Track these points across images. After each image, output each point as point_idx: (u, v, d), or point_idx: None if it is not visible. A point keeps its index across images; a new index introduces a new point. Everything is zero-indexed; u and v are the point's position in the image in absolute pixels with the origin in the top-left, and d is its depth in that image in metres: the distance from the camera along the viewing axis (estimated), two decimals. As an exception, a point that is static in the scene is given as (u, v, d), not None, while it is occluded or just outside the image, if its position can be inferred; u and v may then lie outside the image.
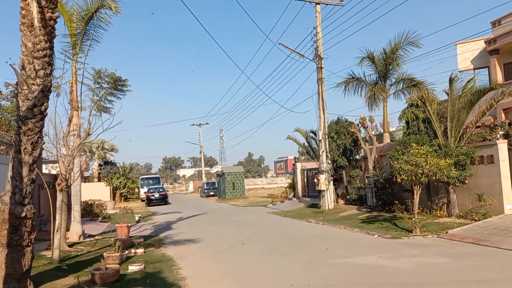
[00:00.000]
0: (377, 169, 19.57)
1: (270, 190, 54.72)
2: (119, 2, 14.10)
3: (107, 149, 46.10)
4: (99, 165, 46.33)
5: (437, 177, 13.02)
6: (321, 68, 21.75)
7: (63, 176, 9.64)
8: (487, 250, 9.98)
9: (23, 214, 6.88)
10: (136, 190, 50.36)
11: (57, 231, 9.91)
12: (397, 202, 14.20)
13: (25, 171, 6.91)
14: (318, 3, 22.12)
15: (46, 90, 7.19)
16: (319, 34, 21.89)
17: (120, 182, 43.21)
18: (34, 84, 7.02)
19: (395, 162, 13.56)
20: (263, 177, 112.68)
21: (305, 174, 30.55)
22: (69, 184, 10.17)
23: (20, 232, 6.89)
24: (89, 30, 14.41)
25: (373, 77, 21.78)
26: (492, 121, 18.35)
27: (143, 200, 43.10)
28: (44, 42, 7.11)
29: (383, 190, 18.51)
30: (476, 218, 13.61)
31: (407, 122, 16.78)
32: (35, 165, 7.11)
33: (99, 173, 45.46)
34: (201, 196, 51.12)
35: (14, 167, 6.92)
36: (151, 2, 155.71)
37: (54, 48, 7.58)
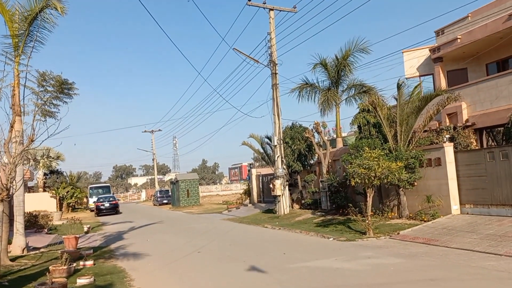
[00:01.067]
0: (331, 173, 19.89)
1: (225, 197, 54.39)
2: (66, 2, 13.50)
3: (53, 158, 43.87)
4: (44, 174, 43.98)
5: (388, 180, 13.36)
6: (276, 74, 21.89)
7: (4, 186, 8.93)
8: (438, 250, 10.32)
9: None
10: (85, 200, 48.37)
11: (-4, 245, 9.17)
12: (351, 205, 14.45)
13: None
14: (272, 9, 22.29)
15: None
16: (273, 40, 22.04)
17: (68, 191, 41.31)
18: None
19: (349, 166, 13.80)
20: (218, 184, 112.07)
21: (260, 180, 30.57)
22: (10, 194, 9.44)
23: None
24: (33, 31, 13.60)
25: (326, 83, 22.23)
26: (438, 125, 19.21)
27: (92, 210, 41.39)
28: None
29: (337, 193, 18.82)
30: (425, 219, 14.09)
31: (359, 127, 17.18)
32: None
33: (44, 183, 43.18)
34: (154, 205, 49.86)
35: None
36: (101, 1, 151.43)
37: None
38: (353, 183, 13.73)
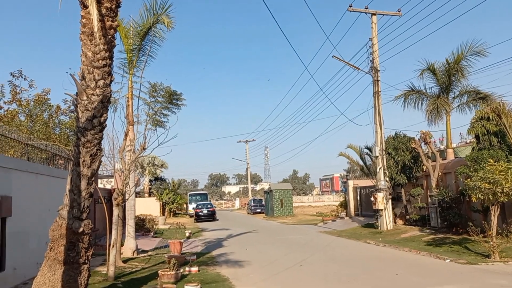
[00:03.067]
0: (441, 188, 18.17)
1: (318, 208, 53.35)
2: (172, 17, 14.10)
3: (158, 165, 46.81)
4: (150, 180, 47.08)
5: (519, 197, 11.66)
6: (378, 81, 20.77)
7: (120, 191, 9.38)
8: None
9: (81, 229, 6.55)
10: (184, 205, 50.70)
11: (113, 246, 9.62)
12: (471, 224, 12.89)
13: (83, 184, 6.61)
14: (374, 14, 21.29)
15: (106, 100, 6.92)
16: (375, 46, 21.00)
17: (169, 197, 43.61)
18: (93, 95, 6.76)
19: (468, 180, 12.33)
20: (309, 194, 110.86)
21: (358, 192, 29.25)
22: (125, 199, 9.92)
23: (77, 249, 6.55)
24: (145, 46, 14.43)
25: (434, 90, 20.50)
26: None
27: (191, 216, 43.19)
28: (104, 52, 6.86)
29: (449, 210, 17.08)
30: None
31: (477, 137, 15.45)
32: (93, 178, 6.80)
33: (149, 189, 46.19)
34: (248, 213, 50.58)
35: (72, 180, 6.63)
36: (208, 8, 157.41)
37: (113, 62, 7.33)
38: (474, 199, 12.23)
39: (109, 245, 9.78)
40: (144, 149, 11.14)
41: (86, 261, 6.71)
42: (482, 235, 12.23)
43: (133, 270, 11.56)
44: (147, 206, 39.34)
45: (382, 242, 16.79)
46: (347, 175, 41.94)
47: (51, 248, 6.49)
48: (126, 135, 11.64)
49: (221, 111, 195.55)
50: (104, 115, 6.87)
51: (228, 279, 10.35)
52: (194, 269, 11.45)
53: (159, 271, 10.32)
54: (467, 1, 17.92)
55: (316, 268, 11.70)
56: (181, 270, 10.58)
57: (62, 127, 17.93)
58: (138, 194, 46.76)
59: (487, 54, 19.10)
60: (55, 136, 17.00)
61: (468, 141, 29.89)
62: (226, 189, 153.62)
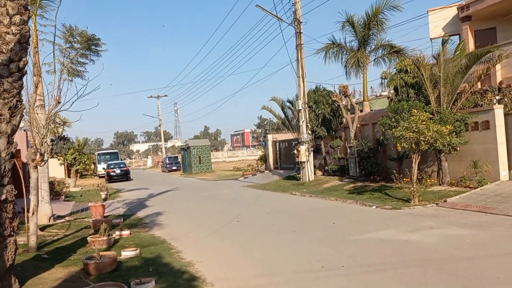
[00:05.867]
0: (360, 139, 19.07)
1: (233, 163, 53.85)
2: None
3: (60, 123, 42.89)
4: (51, 140, 43.10)
5: (437, 144, 12.54)
6: (300, 33, 20.66)
7: (38, 150, 8.11)
8: (501, 219, 9.60)
9: (3, 196, 5.47)
10: (92, 166, 47.80)
11: (33, 214, 8.43)
12: (395, 171, 13.68)
13: (2, 143, 5.46)
14: (296, -37, 20.80)
15: (24, 41, 5.68)
16: (297, -3, 20.67)
17: (75, 158, 40.60)
18: (8, 33, 5.49)
19: (394, 130, 12.92)
20: (220, 150, 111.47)
21: (277, 146, 29.80)
22: (44, 159, 8.65)
23: (1, 219, 5.49)
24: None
25: (354, 44, 20.99)
26: (468, 87, 18.25)
27: (101, 177, 40.95)
28: (18, -20, 5.55)
29: (368, 159, 18.06)
30: (471, 186, 13.38)
31: (395, 89, 16.21)
32: (14, 136, 5.66)
33: (51, 149, 42.38)
34: (163, 171, 49.42)
35: (-13, 139, 5.44)
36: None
37: None
38: (399, 148, 12.93)
39: (28, 213, 8.57)
40: (59, 102, 9.74)
41: (12, 233, 5.68)
42: (397, 181, 13.03)
43: (55, 238, 10.41)
44: (50, 169, 36.21)
45: (307, 192, 17.31)
46: (266, 130, 42.51)
47: (-34, 221, 5.36)
48: (36, 87, 10.04)
49: (130, 63, 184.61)
50: (24, 58, 5.65)
51: (165, 241, 9.78)
52: (126, 232, 10.64)
53: (88, 238, 9.40)
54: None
55: (254, 222, 11.60)
56: (114, 235, 9.75)
57: None
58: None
59: (402, 9, 19.86)
60: None
61: (378, 94, 31.75)
62: (134, 147, 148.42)
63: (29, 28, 5.83)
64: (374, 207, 12.60)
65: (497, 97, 13.93)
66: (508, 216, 9.85)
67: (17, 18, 5.55)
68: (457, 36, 25.26)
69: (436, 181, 14.76)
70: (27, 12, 5.74)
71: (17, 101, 5.59)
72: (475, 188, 13.07)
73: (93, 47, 11.71)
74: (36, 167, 8.33)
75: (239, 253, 8.29)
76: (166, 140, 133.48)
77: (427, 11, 25.72)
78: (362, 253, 7.41)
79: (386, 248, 7.62)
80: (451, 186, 14.13)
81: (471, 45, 23.19)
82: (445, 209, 11.42)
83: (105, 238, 9.13)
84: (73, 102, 9.26)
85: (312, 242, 8.56)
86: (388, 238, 8.38)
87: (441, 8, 25.74)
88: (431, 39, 26.19)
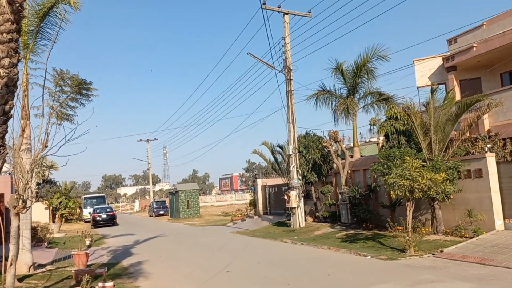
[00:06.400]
0: (351, 185, 18.87)
1: (221, 207, 53.05)
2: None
3: (46, 166, 42.14)
4: (37, 183, 42.15)
5: (431, 192, 12.38)
6: (290, 80, 20.92)
7: (20, 196, 7.71)
8: (501, 271, 9.28)
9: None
10: (78, 210, 46.57)
11: (11, 265, 7.88)
12: (389, 220, 13.42)
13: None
14: (287, 13, 21.41)
15: (12, 84, 5.49)
16: (287, 45, 21.12)
17: (61, 202, 39.52)
18: (-5, 76, 5.30)
19: (387, 177, 12.76)
20: (208, 194, 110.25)
21: (267, 191, 29.41)
22: (27, 206, 8.22)
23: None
24: (44, 28, 12.45)
25: (343, 91, 21.28)
26: (459, 135, 18.44)
27: (86, 221, 39.81)
28: (10, 23, 5.44)
29: (359, 206, 17.76)
30: (466, 235, 13.12)
31: (386, 135, 16.25)
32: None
33: (37, 193, 41.27)
34: (150, 216, 48.27)
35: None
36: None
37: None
38: (393, 195, 12.73)
39: (5, 264, 8.03)
40: (45, 146, 9.44)
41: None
42: (389, 230, 12.72)
43: (33, 291, 9.77)
44: (35, 213, 35.14)
45: (299, 240, 16.82)
46: (255, 175, 42.22)
47: None
48: (23, 130, 9.77)
49: (121, 109, 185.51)
50: (10, 102, 5.44)
51: (151, 294, 9.23)
52: (109, 284, 9.98)
53: (69, 291, 8.81)
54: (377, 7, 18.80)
55: (245, 274, 11.07)
56: None
57: None
58: (23, 199, 41.64)
59: (389, 59, 20.35)
60: None
61: (367, 140, 31.95)
62: (122, 190, 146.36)
63: (18, 71, 5.65)
64: (369, 257, 12.19)
65: (489, 145, 13.98)
66: (508, 268, 9.54)
67: (6, 61, 5.38)
68: (443, 85, 25.88)
69: (430, 230, 14.48)
70: (17, 55, 5.58)
71: (0, 145, 5.31)
72: (471, 237, 12.80)
73: (84, 91, 11.59)
74: (17, 214, 7.89)
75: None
76: (154, 184, 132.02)
77: (413, 61, 26.40)
78: (361, 310, 7.00)
79: (386, 304, 7.21)
80: (446, 235, 13.83)
81: (457, 94, 23.69)
82: (443, 260, 11.07)
83: (86, 291, 8.57)
84: (60, 146, 8.96)
85: (307, 297, 8.11)
86: (387, 293, 7.98)
87: (427, 58, 26.48)
88: (417, 88, 26.73)
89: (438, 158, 13.89)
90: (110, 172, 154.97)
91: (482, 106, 14.20)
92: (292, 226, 20.65)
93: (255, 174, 42.46)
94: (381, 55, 20.41)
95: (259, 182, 30.22)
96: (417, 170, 12.11)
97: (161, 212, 45.39)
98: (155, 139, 61.15)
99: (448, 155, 14.28)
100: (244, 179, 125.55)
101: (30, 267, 11.97)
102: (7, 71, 5.38)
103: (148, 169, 62.69)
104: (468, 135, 17.59)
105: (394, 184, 12.15)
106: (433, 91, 14.60)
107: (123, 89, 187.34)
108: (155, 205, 48.06)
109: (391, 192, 12.52)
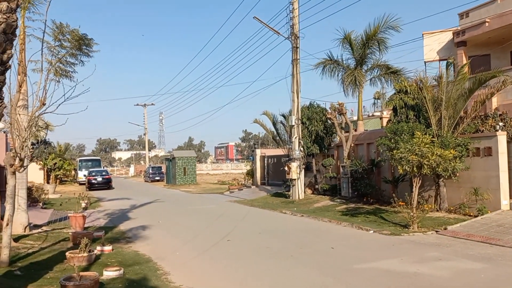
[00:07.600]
0: (354, 159, 18.59)
1: (217, 176, 52.99)
2: None
3: (41, 127, 41.50)
4: (32, 144, 41.63)
5: (439, 169, 12.09)
6: (297, 48, 20.26)
7: (18, 155, 7.31)
8: (509, 252, 9.10)
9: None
10: (73, 172, 46.34)
11: (7, 224, 7.58)
12: (394, 195, 13.17)
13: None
14: (296, -23, 20.51)
15: (10, 31, 4.97)
16: (295, 11, 20.31)
17: (56, 163, 39.22)
18: (-8, 21, 4.78)
19: (395, 151, 12.42)
20: (204, 162, 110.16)
21: (265, 161, 29.17)
22: (24, 165, 7.84)
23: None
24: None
25: (350, 62, 20.68)
26: (465, 113, 18.06)
27: (81, 184, 39.65)
28: (8, -40, 4.86)
29: (361, 180, 17.53)
30: (470, 214, 12.94)
31: (394, 109, 15.82)
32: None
33: (31, 153, 40.90)
34: (146, 181, 48.17)
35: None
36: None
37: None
38: (400, 171, 12.42)
39: (0, 222, 7.72)
40: (43, 104, 8.97)
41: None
42: (391, 205, 12.50)
43: (30, 251, 9.51)
44: (29, 173, 34.79)
45: (298, 212, 16.65)
46: (254, 144, 41.89)
47: None
48: (20, 86, 9.27)
49: (119, 66, 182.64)
50: (8, 51, 4.95)
51: (151, 260, 8.99)
52: (107, 248, 9.81)
53: (66, 253, 8.55)
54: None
55: (246, 243, 10.87)
56: (95, 252, 8.91)
57: None
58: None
59: (400, 30, 19.69)
60: None
61: (370, 114, 31.53)
62: (117, 155, 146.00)
63: (17, 18, 5.13)
64: (372, 231, 12.01)
65: (500, 123, 13.61)
66: (514, 248, 9.38)
67: (3, 5, 4.86)
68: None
69: (433, 207, 14.28)
70: (16, 0, 5.04)
71: (-3, 98, 4.86)
72: (475, 216, 12.62)
73: (84, 47, 10.97)
74: (14, 173, 7.51)
75: (234, 280, 7.56)
76: (149, 149, 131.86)
77: (422, 35, 25.65)
78: (371, 286, 6.77)
79: (396, 281, 6.99)
80: (450, 213, 13.66)
81: (465, 70, 23.15)
82: (447, 238, 10.90)
83: (85, 254, 8.32)
84: (59, 105, 8.51)
85: (312, 270, 7.89)
86: (395, 270, 7.75)
87: (437, 32, 25.73)
88: (425, 62, 26.11)
89: (448, 134, 13.54)
90: (105, 135, 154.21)
91: (497, 83, 13.72)
92: (291, 198, 20.50)
93: (254, 144, 42.16)
94: (392, 25, 19.77)
95: (258, 152, 29.93)
96: (426, 146, 11.77)
97: (157, 178, 45.29)
98: (152, 104, 60.26)
99: (458, 132, 13.93)
100: (239, 149, 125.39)
101: (25, 227, 11.71)
102: (5, 16, 4.86)
103: (145, 134, 62.29)
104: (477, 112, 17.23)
105: (402, 159, 11.83)
106: (448, 65, 14.13)
107: (123, 46, 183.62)
108: (150, 171, 47.92)
109: (399, 167, 12.22)
